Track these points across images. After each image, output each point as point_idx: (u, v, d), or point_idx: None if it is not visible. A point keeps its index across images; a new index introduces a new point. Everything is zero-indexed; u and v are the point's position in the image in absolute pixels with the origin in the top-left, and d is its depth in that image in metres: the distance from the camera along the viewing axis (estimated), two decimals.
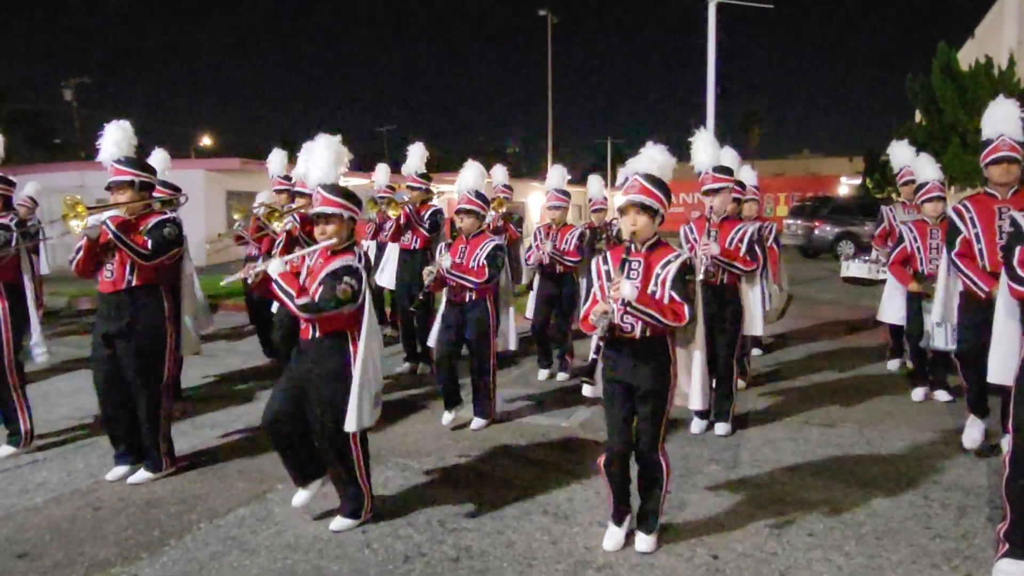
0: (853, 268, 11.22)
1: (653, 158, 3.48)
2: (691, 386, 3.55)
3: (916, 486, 4.25)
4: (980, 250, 4.43)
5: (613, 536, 3.54)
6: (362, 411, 3.65)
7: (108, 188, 4.42)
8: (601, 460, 3.49)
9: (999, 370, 3.52)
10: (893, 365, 7.11)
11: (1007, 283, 3.33)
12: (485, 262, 5.16)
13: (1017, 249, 3.27)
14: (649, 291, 3.32)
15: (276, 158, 7.26)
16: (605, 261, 3.48)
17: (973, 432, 4.76)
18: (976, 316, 4.36)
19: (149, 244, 4.28)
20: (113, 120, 4.58)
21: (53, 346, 8.65)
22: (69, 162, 24.33)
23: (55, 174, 20.31)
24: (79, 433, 5.43)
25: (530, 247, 6.88)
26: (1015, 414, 3.22)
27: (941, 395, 5.99)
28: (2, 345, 4.85)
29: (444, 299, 5.44)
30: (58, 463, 4.83)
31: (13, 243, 4.79)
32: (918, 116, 20.85)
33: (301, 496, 3.88)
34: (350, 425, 3.63)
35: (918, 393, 6.07)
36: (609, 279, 3.34)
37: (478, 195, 5.38)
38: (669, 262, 3.37)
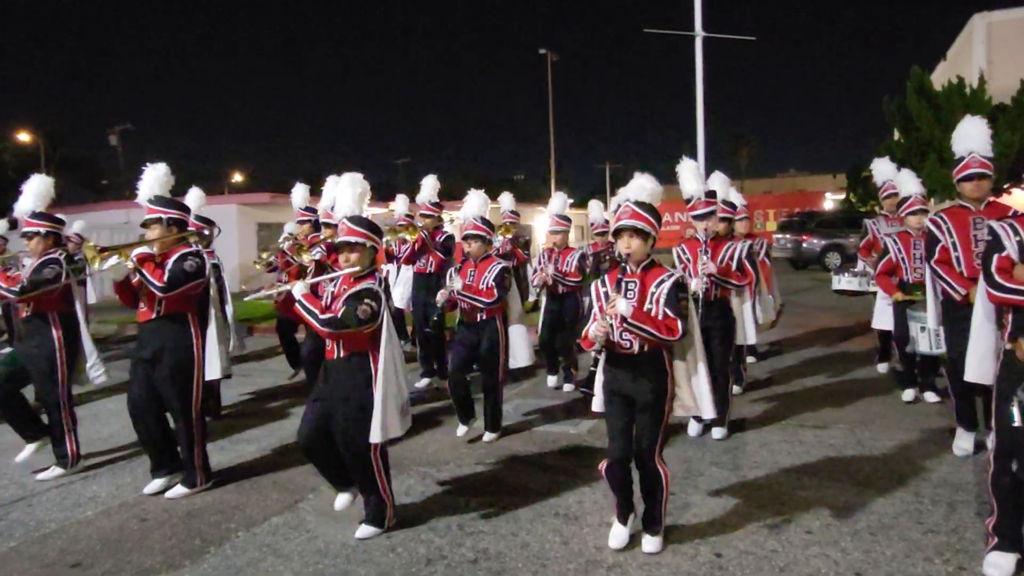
0: (844, 282, 11.13)
1: (643, 186, 3.48)
2: (699, 397, 3.49)
3: (907, 484, 4.18)
4: (957, 257, 4.40)
5: (618, 535, 3.50)
6: (387, 422, 3.64)
7: (143, 225, 4.46)
8: (603, 465, 3.46)
9: (976, 370, 3.49)
10: (882, 368, 7.04)
11: (985, 288, 3.29)
12: (494, 283, 5.15)
13: (995, 257, 3.25)
14: (645, 308, 3.30)
15: (299, 192, 7.30)
16: (604, 283, 3.47)
17: (962, 443, 4.64)
18: (959, 323, 4.31)
19: (164, 277, 4.28)
20: (154, 162, 4.61)
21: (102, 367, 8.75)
22: (115, 201, 24.61)
23: (103, 212, 20.61)
24: (126, 450, 5.44)
25: (535, 269, 6.89)
26: (996, 413, 3.18)
27: (930, 396, 5.91)
28: (57, 371, 4.90)
29: (457, 319, 5.41)
30: (107, 478, 4.85)
31: (63, 277, 4.86)
32: (896, 134, 20.76)
33: (342, 498, 3.94)
34: (375, 436, 3.62)
35: (908, 394, 5.99)
36: (608, 299, 3.33)
37: (484, 221, 5.39)
38: (663, 281, 3.35)
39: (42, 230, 4.90)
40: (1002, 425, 3.11)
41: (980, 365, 3.44)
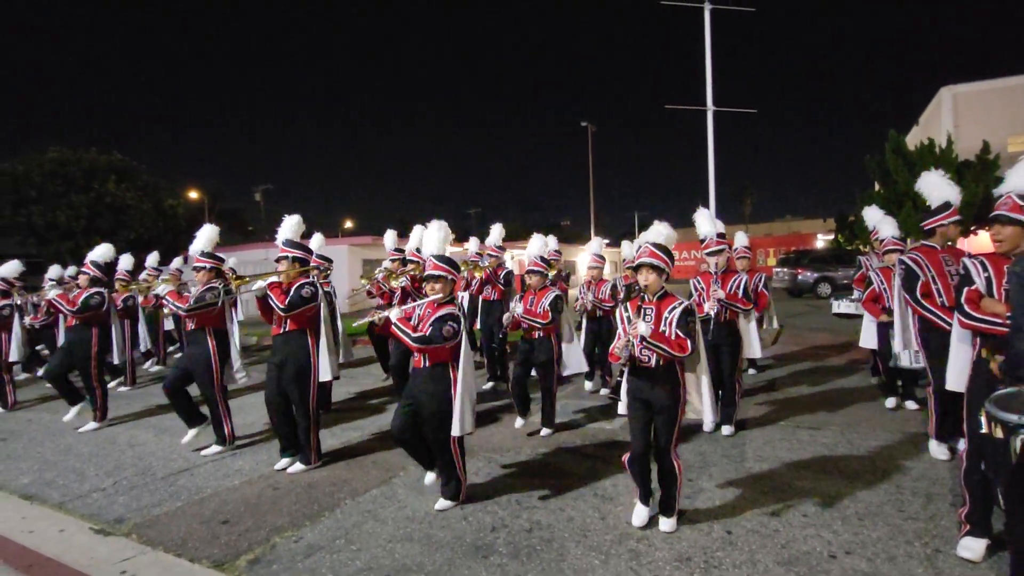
0: (843, 306, 10.64)
1: (660, 231, 3.44)
2: (703, 404, 3.40)
3: (890, 478, 3.96)
4: (937, 290, 4.17)
5: (639, 514, 3.42)
6: (464, 420, 3.66)
7: (276, 260, 4.67)
8: (625, 458, 3.40)
9: (955, 380, 3.31)
10: (874, 380, 6.70)
11: (957, 317, 3.14)
12: (548, 307, 5.15)
13: (964, 290, 3.09)
14: (660, 330, 3.25)
15: (389, 236, 7.47)
16: (626, 309, 3.42)
17: (939, 453, 4.34)
18: (940, 350, 4.05)
19: (285, 301, 4.43)
20: (288, 213, 4.81)
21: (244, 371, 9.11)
22: (257, 243, 25.70)
23: (248, 251, 21.53)
24: (263, 434, 5.63)
25: (576, 297, 6.89)
26: (968, 417, 3.00)
27: (910, 404, 5.59)
28: (213, 373, 5.12)
29: (521, 336, 5.38)
30: (249, 455, 5.01)
31: (218, 301, 5.12)
32: (876, 186, 19.92)
33: (430, 476, 3.99)
34: (455, 431, 3.63)
35: (890, 402, 5.69)
36: (630, 323, 3.29)
37: (542, 259, 5.38)
38: (675, 308, 3.29)
39: (207, 265, 5.18)
40: (972, 429, 2.93)
41: (958, 377, 3.26)
